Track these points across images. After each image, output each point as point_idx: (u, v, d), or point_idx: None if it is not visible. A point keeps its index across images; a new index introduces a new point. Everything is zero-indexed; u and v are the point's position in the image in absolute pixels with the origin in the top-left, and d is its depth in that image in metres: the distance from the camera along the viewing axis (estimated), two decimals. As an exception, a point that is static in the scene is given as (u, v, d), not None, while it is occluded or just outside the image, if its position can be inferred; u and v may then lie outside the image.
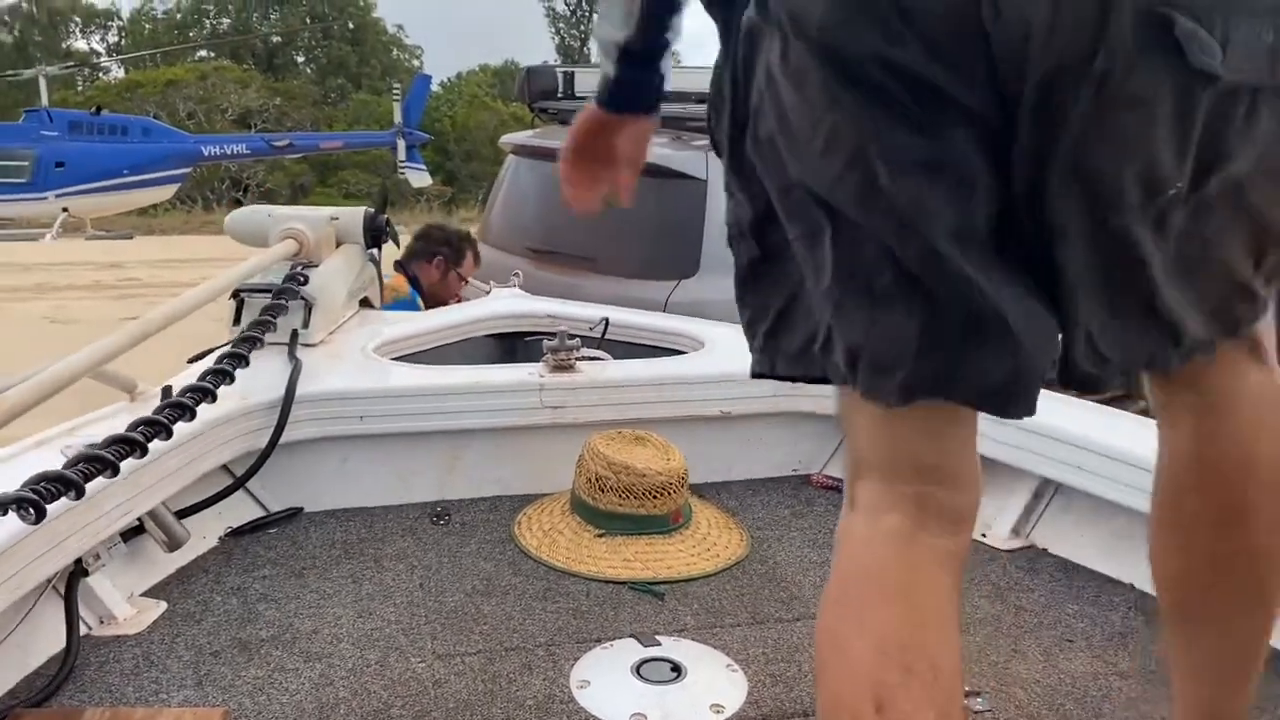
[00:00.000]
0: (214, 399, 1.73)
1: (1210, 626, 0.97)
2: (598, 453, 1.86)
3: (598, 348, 2.33)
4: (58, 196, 17.60)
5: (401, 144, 20.44)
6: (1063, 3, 0.71)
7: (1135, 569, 1.72)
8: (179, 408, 1.59)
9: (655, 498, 1.83)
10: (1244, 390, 0.91)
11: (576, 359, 2.13)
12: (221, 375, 1.77)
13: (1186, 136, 0.74)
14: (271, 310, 2.09)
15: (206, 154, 19.88)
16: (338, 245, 2.39)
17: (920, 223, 0.76)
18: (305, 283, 2.18)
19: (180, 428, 1.62)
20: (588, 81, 4.82)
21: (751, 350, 0.95)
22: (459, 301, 4.11)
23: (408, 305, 3.30)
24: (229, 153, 20.43)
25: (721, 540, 1.86)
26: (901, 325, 0.79)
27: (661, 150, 3.71)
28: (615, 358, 2.29)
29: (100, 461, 1.38)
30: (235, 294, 2.16)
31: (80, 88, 31.72)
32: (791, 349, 0.90)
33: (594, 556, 1.77)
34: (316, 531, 1.89)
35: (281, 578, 1.71)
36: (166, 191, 19.97)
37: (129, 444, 1.44)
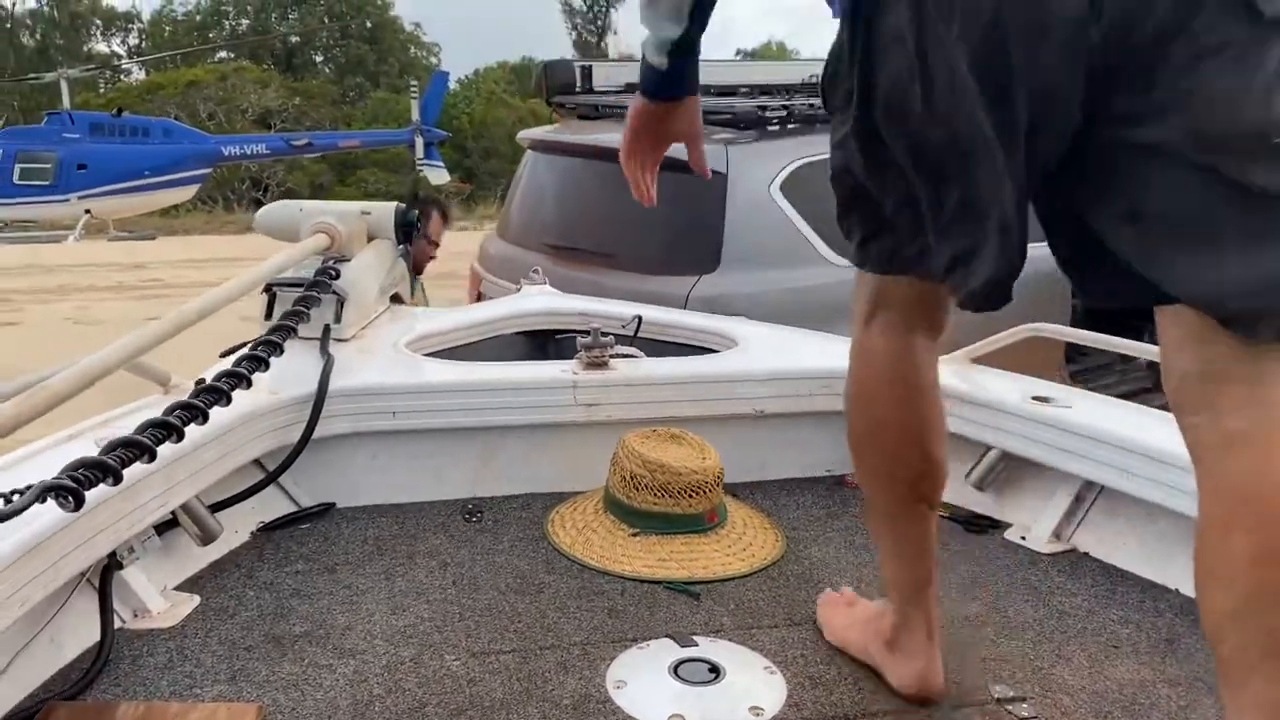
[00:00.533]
0: (249, 384, 1.72)
1: (1252, 664, 0.93)
2: (633, 451, 1.84)
3: (630, 345, 2.31)
4: (80, 198, 17.73)
5: (419, 141, 20.49)
6: None
7: (1180, 574, 1.68)
8: (214, 393, 1.58)
9: (691, 496, 1.80)
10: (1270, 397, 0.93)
11: (610, 356, 2.11)
12: (256, 362, 1.76)
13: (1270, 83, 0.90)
14: (304, 302, 2.08)
15: (226, 154, 19.99)
16: (369, 240, 2.38)
17: (1006, 189, 1.01)
18: (337, 277, 2.17)
19: (214, 419, 1.61)
20: (605, 75, 4.77)
21: (851, 250, 1.27)
22: (426, 262, 4.11)
23: None
24: (249, 153, 20.53)
25: (757, 540, 1.83)
26: (985, 247, 1.04)
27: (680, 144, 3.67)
28: (647, 356, 2.27)
29: (138, 447, 1.36)
30: (267, 288, 2.15)
31: (102, 90, 31.98)
32: (881, 254, 1.21)
33: (628, 555, 1.75)
34: (349, 527, 1.87)
35: (314, 573, 1.70)
36: (188, 192, 20.09)
37: (166, 429, 1.43)
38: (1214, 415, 0.95)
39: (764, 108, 3.74)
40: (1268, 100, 0.89)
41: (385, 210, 2.41)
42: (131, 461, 1.35)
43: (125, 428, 1.48)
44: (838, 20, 1.13)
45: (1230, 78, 0.90)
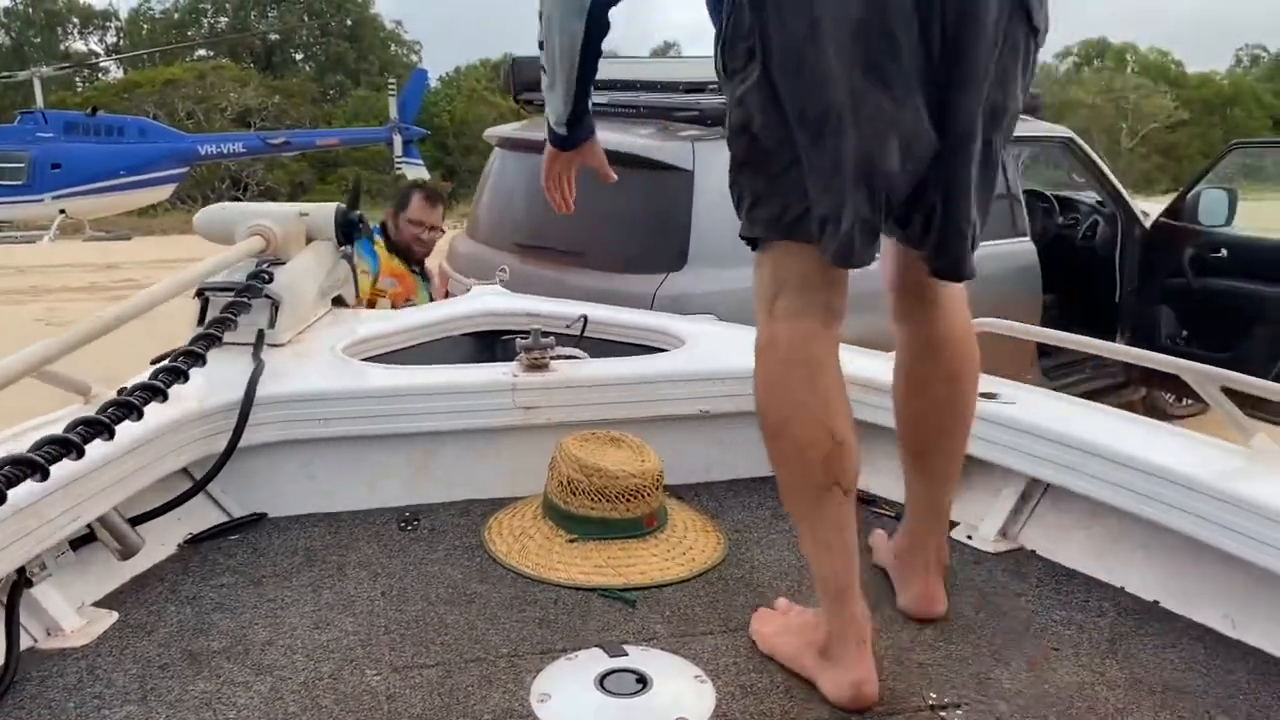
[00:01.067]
0: (165, 398, 1.67)
1: (937, 443, 1.53)
2: (570, 455, 1.79)
3: (576, 346, 2.26)
4: (54, 198, 17.60)
5: (398, 139, 20.44)
6: None
7: (1126, 573, 1.66)
8: (124, 407, 1.52)
9: (628, 500, 1.76)
10: (951, 294, 1.47)
11: (551, 358, 2.06)
12: (174, 374, 1.70)
13: (1026, 73, 1.32)
14: (233, 308, 2.02)
15: (203, 153, 19.90)
16: (308, 242, 2.33)
17: (881, 147, 1.23)
18: (271, 280, 2.11)
19: (129, 429, 1.56)
20: None
21: (740, 220, 1.37)
22: (421, 247, 4.07)
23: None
24: (226, 151, 20.44)
25: (698, 544, 1.80)
26: (853, 208, 1.25)
27: (647, 141, 3.60)
28: (594, 356, 2.22)
29: (28, 465, 1.31)
30: (200, 293, 2.10)
31: (79, 88, 31.73)
32: (769, 217, 1.32)
33: (565, 562, 1.71)
34: (279, 538, 1.82)
35: (239, 586, 1.65)
36: (164, 191, 19.97)
37: (63, 446, 1.38)
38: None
39: None
40: (1025, 87, 1.32)
41: (325, 211, 2.36)
42: (19, 480, 1.29)
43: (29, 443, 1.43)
44: None
45: (1016, 69, 1.28)
